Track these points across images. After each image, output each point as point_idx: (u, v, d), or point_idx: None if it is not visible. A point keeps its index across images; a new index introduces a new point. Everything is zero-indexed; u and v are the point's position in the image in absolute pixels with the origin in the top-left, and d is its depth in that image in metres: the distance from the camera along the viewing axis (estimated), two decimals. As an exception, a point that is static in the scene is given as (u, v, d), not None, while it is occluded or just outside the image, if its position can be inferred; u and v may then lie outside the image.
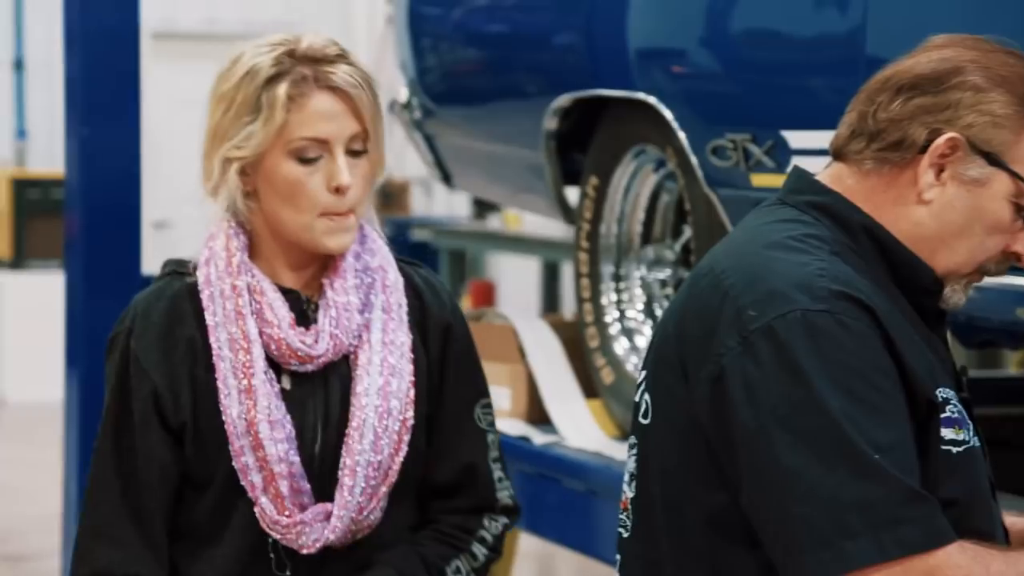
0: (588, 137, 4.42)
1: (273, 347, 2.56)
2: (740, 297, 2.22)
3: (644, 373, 2.41)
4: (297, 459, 2.56)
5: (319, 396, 2.60)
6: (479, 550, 2.69)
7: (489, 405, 2.75)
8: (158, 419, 2.59)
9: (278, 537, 2.57)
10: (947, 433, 2.24)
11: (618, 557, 2.41)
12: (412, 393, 2.63)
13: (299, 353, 2.57)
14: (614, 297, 4.42)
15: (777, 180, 3.50)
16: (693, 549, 2.27)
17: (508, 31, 4.86)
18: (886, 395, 2.17)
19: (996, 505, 2.34)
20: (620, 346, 4.38)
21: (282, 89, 2.51)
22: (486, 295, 8.75)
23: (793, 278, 2.21)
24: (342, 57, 2.59)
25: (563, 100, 4.39)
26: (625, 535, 2.40)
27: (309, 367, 2.59)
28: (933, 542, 2.11)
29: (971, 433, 2.28)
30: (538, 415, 4.47)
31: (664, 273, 4.34)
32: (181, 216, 10.83)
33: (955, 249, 2.31)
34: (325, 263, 2.62)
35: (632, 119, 4.16)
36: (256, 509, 2.56)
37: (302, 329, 2.58)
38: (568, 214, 4.66)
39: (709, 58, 4.00)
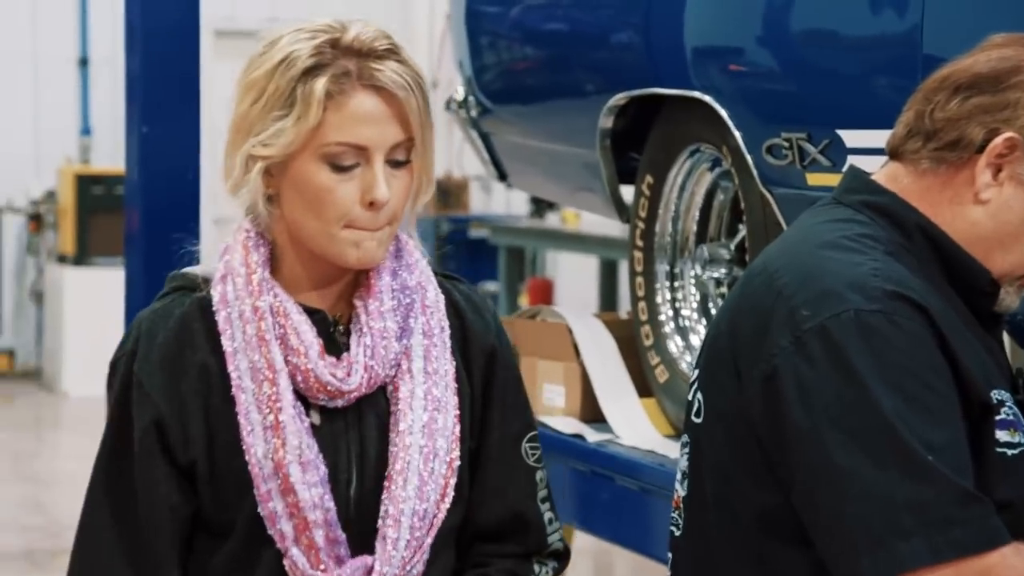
0: (644, 136, 4.41)
1: (299, 378, 2.22)
2: (793, 296, 2.22)
3: (697, 372, 2.40)
4: (333, 505, 2.23)
5: (353, 434, 2.27)
6: None
7: (536, 438, 2.45)
8: (162, 453, 2.25)
9: None
10: (1002, 435, 2.23)
11: (670, 555, 2.42)
12: (458, 430, 2.32)
13: (328, 387, 2.24)
14: (668, 296, 4.40)
15: (832, 179, 3.48)
16: (744, 548, 2.27)
17: (564, 29, 4.85)
18: (939, 395, 2.16)
19: None
20: (674, 344, 4.35)
21: (320, 84, 2.18)
22: (544, 293, 8.75)
23: (846, 278, 2.21)
24: (392, 52, 2.24)
25: (619, 98, 4.37)
26: (677, 533, 2.40)
27: (339, 402, 2.26)
28: (987, 544, 2.10)
29: None
30: (592, 413, 4.45)
31: (719, 272, 4.31)
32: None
33: (1011, 250, 2.30)
34: (356, 280, 2.30)
35: (688, 118, 4.14)
36: (286, 562, 2.23)
37: (332, 359, 2.25)
38: (623, 212, 4.64)
39: (765, 57, 3.98)
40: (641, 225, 4.43)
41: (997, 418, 2.23)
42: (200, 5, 4.85)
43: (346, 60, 2.20)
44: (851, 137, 3.54)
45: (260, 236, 2.29)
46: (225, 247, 2.29)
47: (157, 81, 4.74)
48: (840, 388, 2.15)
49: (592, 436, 4.37)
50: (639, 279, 4.43)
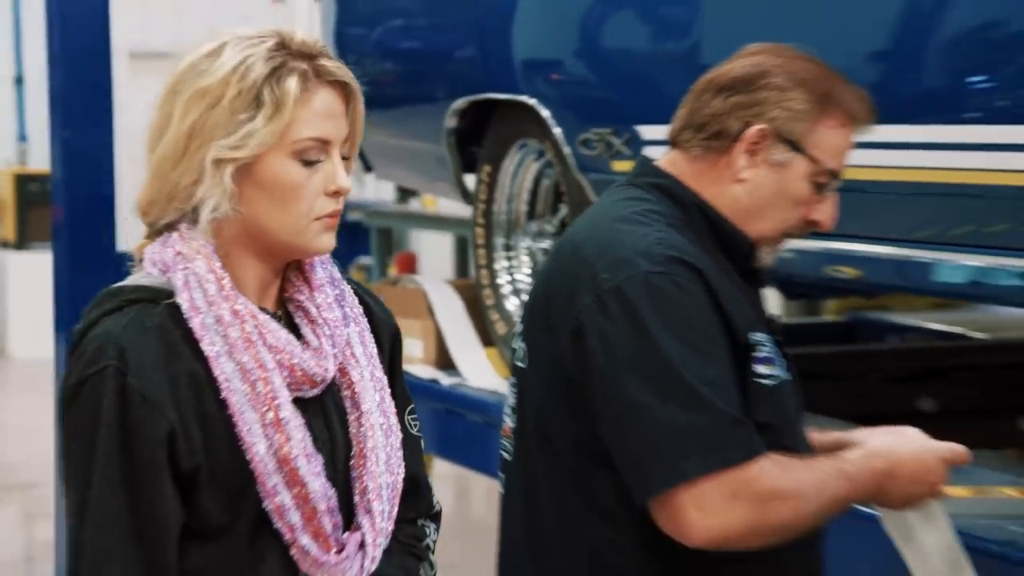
0: (482, 133, 4.42)
1: (285, 374, 1.92)
2: (595, 263, 2.21)
3: (520, 325, 2.41)
4: (334, 491, 1.95)
5: (320, 421, 1.98)
6: (431, 558, 2.19)
7: (415, 411, 2.20)
8: (170, 465, 1.88)
9: None
10: (761, 369, 2.24)
11: (502, 476, 2.40)
12: (394, 405, 2.08)
13: (315, 378, 1.95)
14: (505, 264, 4.42)
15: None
16: (561, 469, 2.27)
17: (416, 47, 4.85)
18: (712, 341, 2.18)
19: (802, 427, 2.37)
20: (511, 304, 4.40)
21: (293, 82, 1.90)
22: (409, 265, 8.70)
23: (637, 247, 2.21)
24: (328, 54, 1.98)
25: (461, 103, 4.38)
26: (508, 458, 2.38)
27: (312, 392, 1.97)
28: (748, 456, 2.13)
29: (783, 371, 2.28)
30: (445, 361, 4.48)
31: (546, 243, 4.34)
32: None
33: (765, 219, 2.31)
34: (287, 276, 2.02)
35: (517, 118, 4.15)
36: (294, 551, 1.91)
37: (310, 352, 1.96)
38: (467, 196, 4.66)
39: (578, 68, 4.01)
40: (482, 206, 4.44)
41: (757, 355, 2.23)
42: (112, 32, 4.80)
43: (298, 61, 1.92)
44: (646, 131, 3.58)
45: (208, 244, 1.92)
46: (177, 253, 1.90)
47: (75, 95, 4.69)
48: (633, 338, 2.16)
49: (446, 380, 4.39)
50: (481, 251, 4.45)
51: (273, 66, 1.90)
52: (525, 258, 4.40)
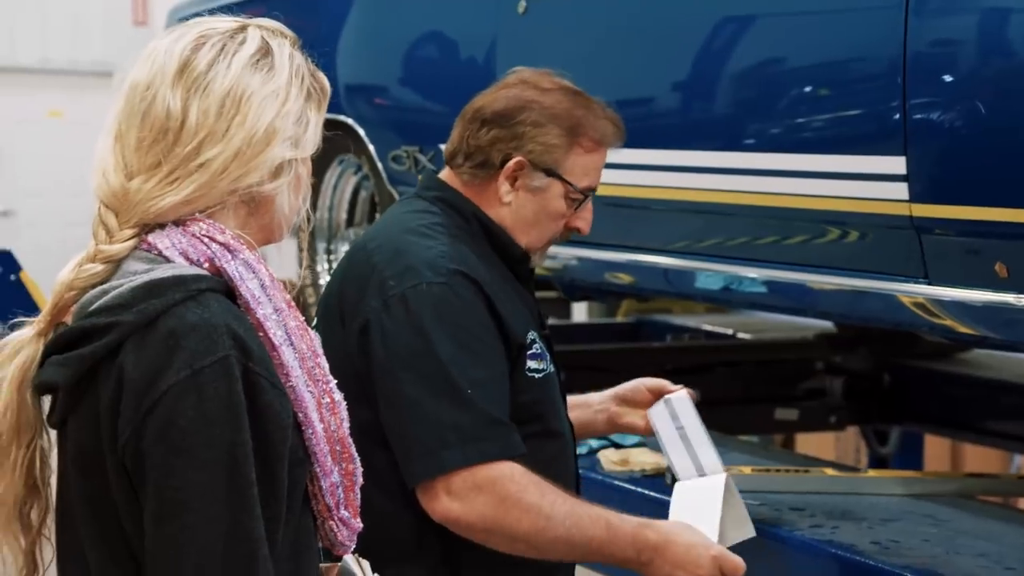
0: (308, 148, 4.45)
1: (321, 359, 1.73)
2: (385, 270, 2.26)
3: (316, 319, 2.42)
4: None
5: None
6: None
7: None
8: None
9: (340, 552, 1.77)
10: (532, 364, 2.32)
11: None
12: None
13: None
14: (326, 266, 4.47)
15: (435, 181, 3.59)
16: (358, 449, 2.30)
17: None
18: (486, 345, 2.24)
19: (564, 408, 2.45)
20: (330, 302, 4.45)
21: (324, 77, 1.76)
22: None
23: (423, 258, 2.26)
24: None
25: (288, 121, 4.41)
26: None
27: None
28: (502, 454, 2.19)
29: (549, 363, 2.36)
30: (270, 353, 4.50)
31: None
32: (23, 207, 10.52)
33: (530, 234, 2.40)
34: None
35: (337, 135, 4.12)
36: (329, 525, 1.72)
37: None
38: (294, 205, 4.67)
39: (391, 91, 4.07)
40: (305, 214, 4.47)
41: (528, 353, 2.31)
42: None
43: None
44: (448, 150, 3.65)
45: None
46: (220, 247, 1.64)
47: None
48: (412, 339, 2.20)
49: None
50: (304, 254, 4.48)
51: (302, 60, 1.71)
52: (344, 261, 4.45)
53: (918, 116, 2.49)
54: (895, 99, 2.53)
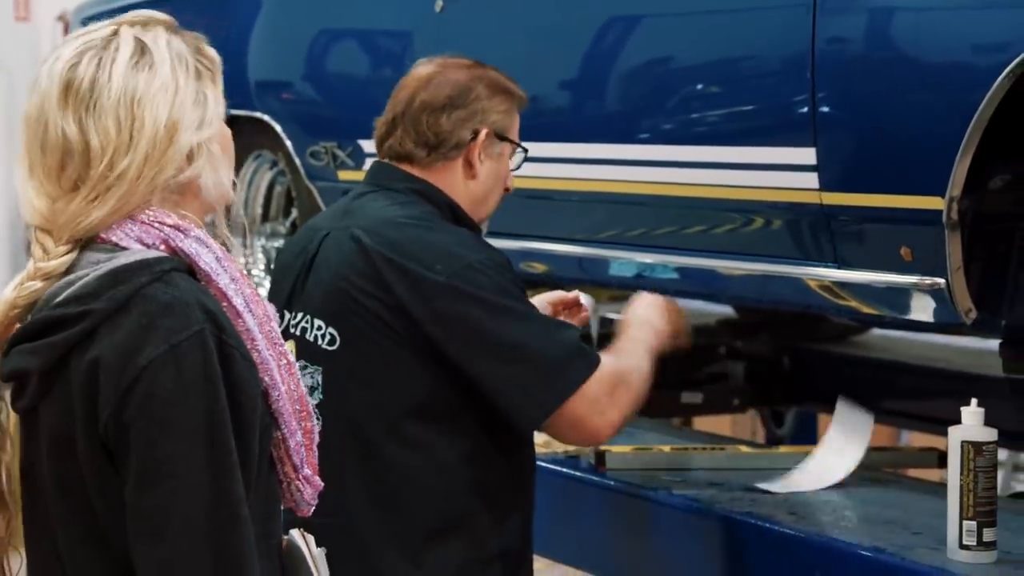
0: (222, 144, 4.46)
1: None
2: (421, 258, 2.37)
3: (309, 317, 2.45)
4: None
5: None
6: None
7: None
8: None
9: (305, 511, 1.79)
10: None
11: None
12: None
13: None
14: (243, 260, 4.44)
15: (356, 175, 3.65)
16: (409, 434, 2.39)
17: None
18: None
19: None
20: (247, 296, 4.46)
21: (212, 50, 1.79)
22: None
23: (449, 243, 2.40)
24: None
25: (202, 117, 4.42)
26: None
27: None
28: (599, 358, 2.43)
29: None
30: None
31: (278, 243, 4.39)
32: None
33: (488, 202, 2.58)
34: None
35: (252, 131, 4.20)
36: (296, 485, 1.75)
37: None
38: (209, 201, 4.67)
39: (307, 88, 4.10)
40: (222, 209, 4.48)
41: None
42: None
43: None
44: (367, 145, 3.70)
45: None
46: (172, 227, 1.68)
47: None
48: (491, 297, 2.35)
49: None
50: (225, 234, 4.47)
51: (179, 43, 1.73)
52: (261, 255, 4.45)
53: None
54: (804, 92, 2.66)
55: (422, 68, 2.58)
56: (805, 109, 2.66)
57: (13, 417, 1.72)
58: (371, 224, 2.46)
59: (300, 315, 2.48)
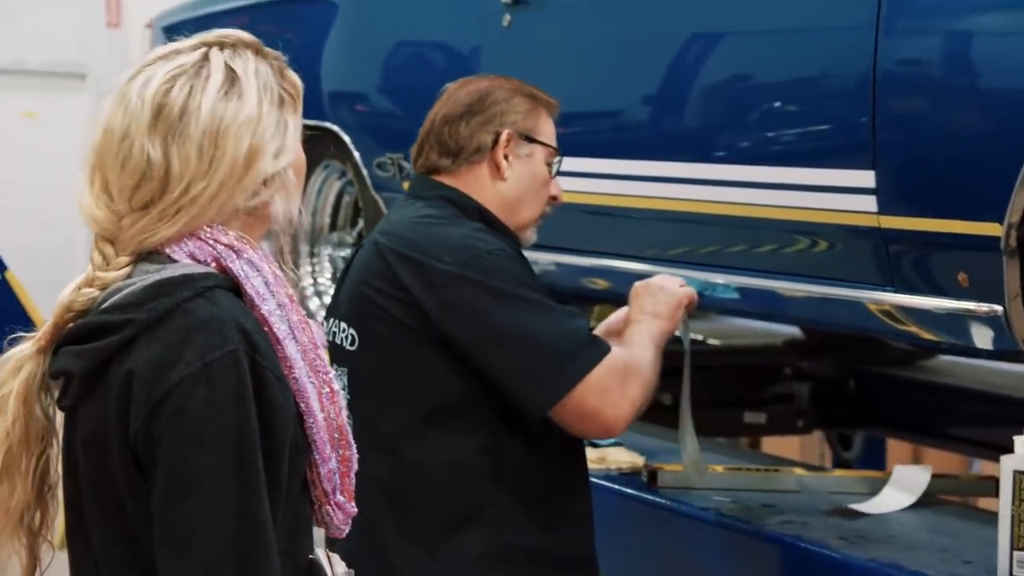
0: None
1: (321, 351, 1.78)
2: (433, 251, 2.40)
3: (337, 321, 2.51)
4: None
5: None
6: None
7: None
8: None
9: (335, 534, 1.80)
10: None
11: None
12: None
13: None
14: (309, 268, 4.52)
15: (419, 187, 3.66)
16: (424, 429, 2.41)
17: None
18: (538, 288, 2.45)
19: None
20: (313, 303, 4.48)
21: (293, 75, 1.80)
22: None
23: (461, 237, 2.43)
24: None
25: (274, 127, 4.46)
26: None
27: None
28: (608, 348, 2.41)
29: None
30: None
31: (345, 252, 4.43)
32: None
33: (528, 204, 2.57)
34: None
35: (322, 141, 4.24)
36: (326, 509, 1.75)
37: None
38: (278, 210, 4.71)
39: (375, 100, 4.14)
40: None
41: None
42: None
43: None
44: (432, 158, 3.71)
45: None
46: (225, 247, 1.69)
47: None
48: (499, 284, 2.37)
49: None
50: (288, 257, 4.53)
51: (266, 69, 1.73)
52: (327, 264, 4.49)
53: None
54: (865, 115, 2.65)
55: (447, 87, 2.63)
56: (865, 132, 2.65)
57: (60, 415, 1.73)
58: (390, 227, 2.52)
59: (332, 320, 2.55)
